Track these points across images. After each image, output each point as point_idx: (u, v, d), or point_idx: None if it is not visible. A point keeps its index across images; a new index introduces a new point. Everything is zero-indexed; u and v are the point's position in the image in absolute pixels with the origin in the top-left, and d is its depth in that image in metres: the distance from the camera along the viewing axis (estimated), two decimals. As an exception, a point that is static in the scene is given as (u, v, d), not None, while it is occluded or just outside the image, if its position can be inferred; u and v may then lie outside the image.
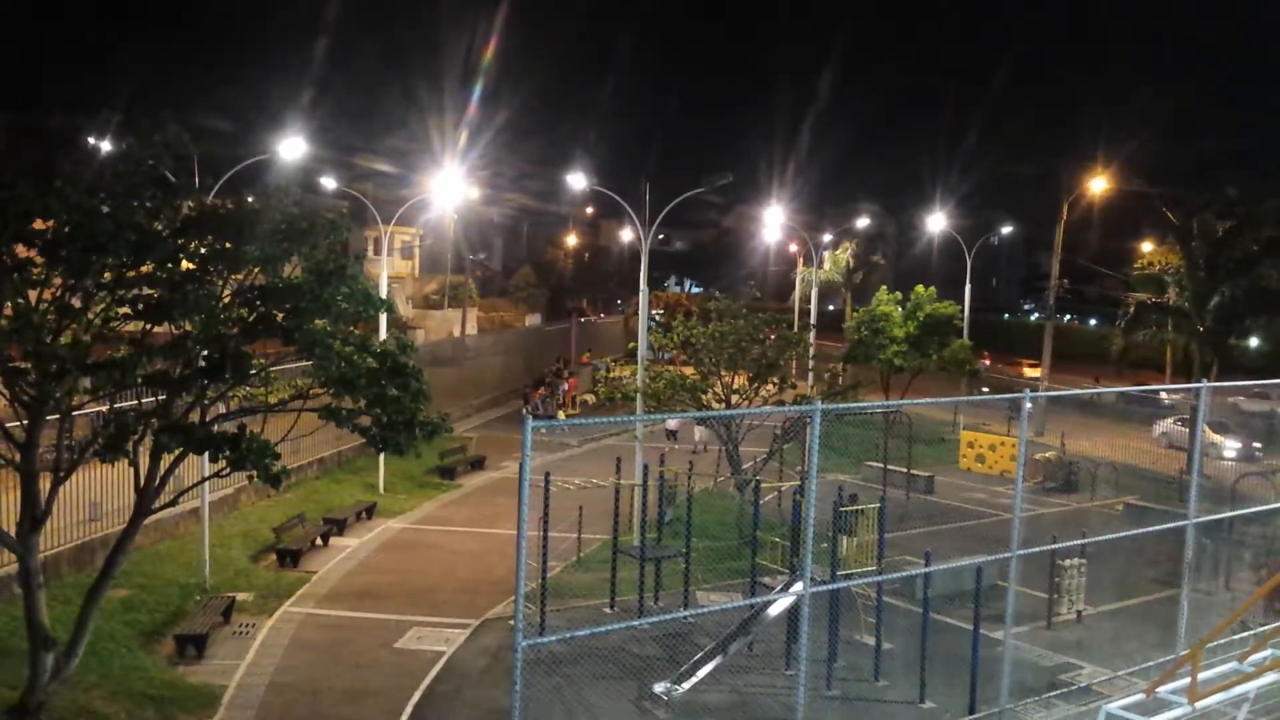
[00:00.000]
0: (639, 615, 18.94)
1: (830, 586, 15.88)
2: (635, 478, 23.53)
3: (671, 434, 37.28)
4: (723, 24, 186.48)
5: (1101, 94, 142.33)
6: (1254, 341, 44.29)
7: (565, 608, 19.82)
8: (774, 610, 16.93)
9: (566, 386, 47.62)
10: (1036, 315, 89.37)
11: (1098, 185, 47.30)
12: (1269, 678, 11.32)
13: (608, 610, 20.10)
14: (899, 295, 46.30)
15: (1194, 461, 14.63)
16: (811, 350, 38.80)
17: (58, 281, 12.69)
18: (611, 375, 34.97)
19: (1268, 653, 11.78)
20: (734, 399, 28.15)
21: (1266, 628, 13.86)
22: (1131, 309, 40.83)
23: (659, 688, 15.33)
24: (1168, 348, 47.14)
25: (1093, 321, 79.32)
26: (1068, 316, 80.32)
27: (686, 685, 15.45)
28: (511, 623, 11.04)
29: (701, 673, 15.71)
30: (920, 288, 45.19)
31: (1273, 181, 48.24)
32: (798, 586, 14.08)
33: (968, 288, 48.05)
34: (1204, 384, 17.99)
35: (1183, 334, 39.57)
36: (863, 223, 68.55)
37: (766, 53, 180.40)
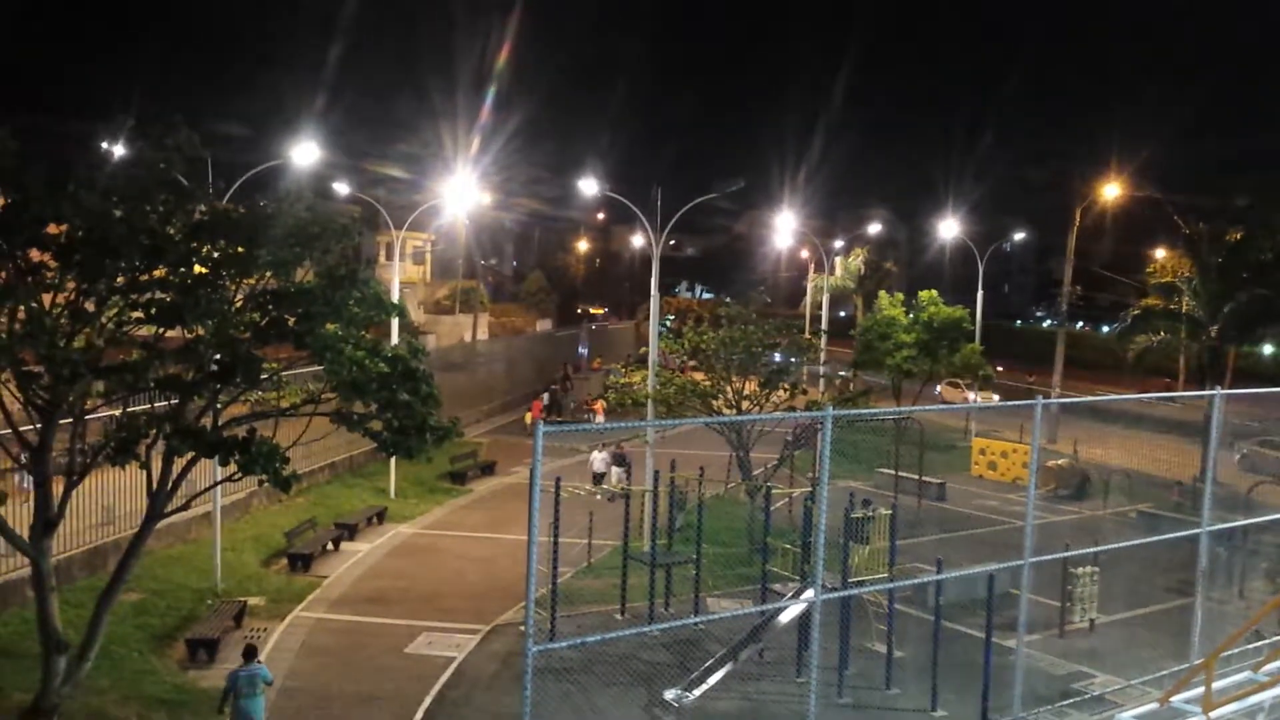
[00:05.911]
0: (649, 621, 18.91)
1: (842, 594, 15.84)
2: (646, 483, 23.52)
3: (599, 476, 30.45)
4: (735, 29, 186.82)
5: (1115, 98, 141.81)
6: (1268, 349, 44.05)
7: (575, 613, 19.79)
8: (785, 617, 16.89)
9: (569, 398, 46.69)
10: (1049, 322, 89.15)
11: (1110, 191, 47.10)
12: (1284, 687, 11.24)
13: (618, 616, 20.06)
14: (901, 297, 46.03)
15: (1207, 469, 14.53)
16: (823, 356, 38.69)
17: (71, 285, 12.75)
18: (622, 381, 34.62)
19: (1283, 662, 11.70)
20: (745, 405, 28.10)
21: (1281, 637, 13.77)
22: (1132, 315, 40.38)
23: (670, 694, 15.31)
24: (1181, 355, 46.83)
25: (1105, 328, 78.93)
26: (1080, 323, 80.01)
27: (697, 692, 15.43)
28: (522, 628, 11.02)
29: (712, 680, 15.68)
30: (924, 292, 44.94)
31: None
32: (809, 593, 14.06)
33: (979, 294, 47.85)
34: (1218, 391, 17.92)
35: (1195, 340, 39.24)
36: (875, 229, 68.35)
37: (779, 58, 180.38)
